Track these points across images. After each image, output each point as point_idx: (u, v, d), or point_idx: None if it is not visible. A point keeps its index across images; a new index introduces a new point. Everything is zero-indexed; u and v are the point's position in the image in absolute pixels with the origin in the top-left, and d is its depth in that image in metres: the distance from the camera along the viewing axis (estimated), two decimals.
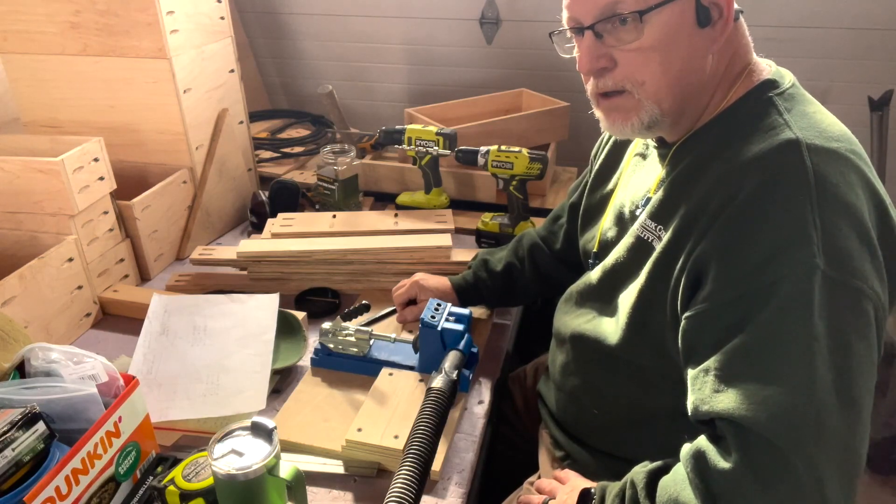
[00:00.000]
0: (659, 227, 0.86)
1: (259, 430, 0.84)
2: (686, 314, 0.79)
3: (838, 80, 1.96)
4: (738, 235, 0.74)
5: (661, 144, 0.92)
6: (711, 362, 0.74)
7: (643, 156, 0.99)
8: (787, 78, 0.85)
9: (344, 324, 1.16)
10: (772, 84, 0.83)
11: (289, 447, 1.00)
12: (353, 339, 1.15)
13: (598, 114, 0.90)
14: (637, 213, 0.93)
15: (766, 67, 0.86)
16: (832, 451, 0.67)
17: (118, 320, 1.35)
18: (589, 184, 1.13)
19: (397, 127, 1.65)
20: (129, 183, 1.50)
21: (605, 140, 1.13)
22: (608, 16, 0.80)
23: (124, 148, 1.54)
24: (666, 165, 0.89)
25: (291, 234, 1.46)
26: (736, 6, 0.82)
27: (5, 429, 0.77)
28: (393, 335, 1.14)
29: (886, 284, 0.75)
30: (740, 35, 0.85)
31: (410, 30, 2.21)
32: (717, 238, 0.76)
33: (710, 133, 0.85)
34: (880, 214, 0.76)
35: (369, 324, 1.28)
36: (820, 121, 0.79)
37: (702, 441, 0.74)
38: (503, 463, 1.22)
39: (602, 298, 0.99)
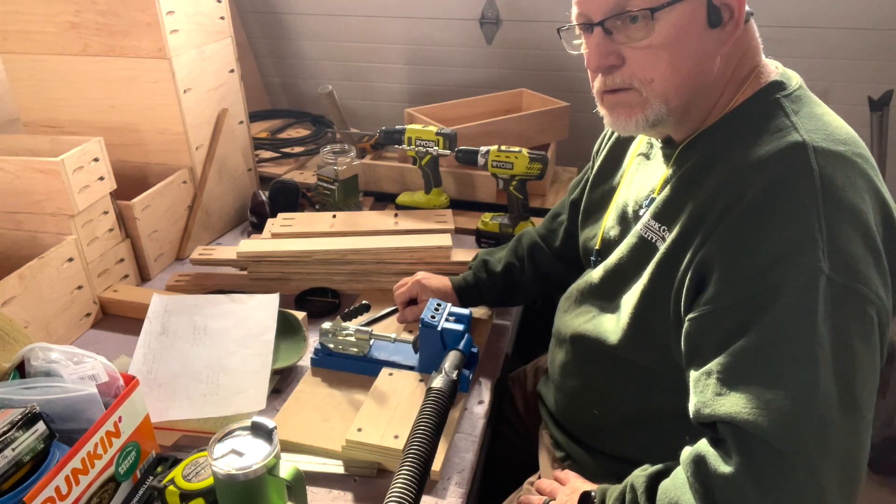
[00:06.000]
0: (663, 227, 0.86)
1: (259, 430, 0.84)
2: (689, 316, 0.78)
3: (838, 80, 1.96)
4: (743, 238, 0.74)
5: (667, 144, 0.92)
6: (714, 365, 0.74)
7: (646, 155, 0.99)
8: (795, 80, 0.85)
9: (344, 324, 1.16)
10: (779, 86, 0.83)
11: (289, 447, 1.00)
12: (353, 339, 1.15)
13: (601, 111, 0.89)
14: (640, 213, 0.93)
15: (774, 69, 0.86)
16: (834, 457, 0.67)
17: (118, 320, 1.35)
18: (591, 180, 1.13)
19: (397, 127, 1.65)
20: (129, 183, 1.50)
21: (607, 136, 1.12)
22: (618, 13, 0.80)
23: (124, 148, 1.54)
24: (671, 165, 0.89)
25: (291, 234, 1.46)
26: (747, 8, 0.82)
27: (5, 429, 0.77)
28: (393, 335, 1.14)
29: (890, 289, 0.75)
30: (750, 37, 0.85)
31: (410, 30, 2.21)
32: (721, 240, 0.76)
33: (717, 134, 0.84)
34: (885, 218, 0.76)
35: (369, 324, 1.28)
36: (827, 123, 0.79)
37: (702, 445, 0.74)
38: (503, 463, 1.22)
39: (604, 298, 0.99)
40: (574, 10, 0.86)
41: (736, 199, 0.76)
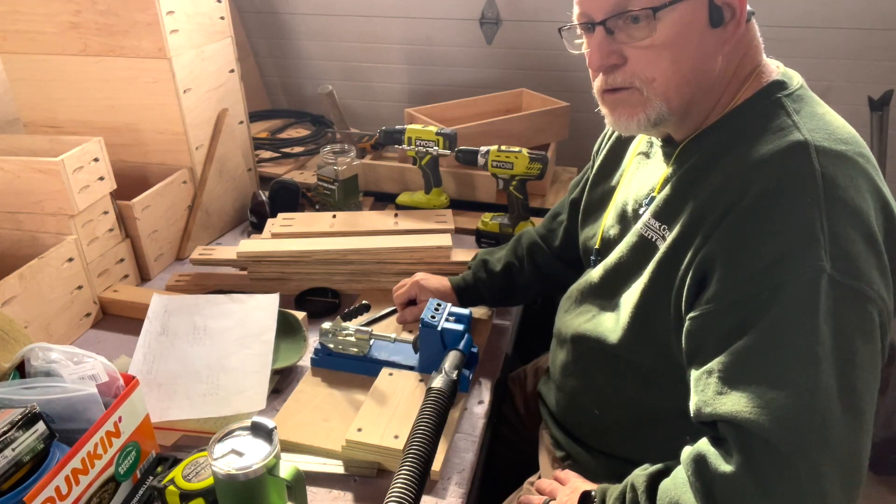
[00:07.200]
0: (663, 226, 0.86)
1: (259, 430, 0.84)
2: (690, 315, 0.78)
3: (838, 80, 1.96)
4: (744, 237, 0.74)
5: (667, 143, 0.92)
6: (715, 364, 0.74)
7: (646, 154, 0.99)
8: (796, 79, 0.85)
9: (344, 324, 1.16)
10: (780, 85, 0.83)
11: (289, 447, 1.00)
12: (353, 339, 1.15)
13: (603, 110, 0.89)
14: (640, 212, 0.93)
15: (775, 68, 0.86)
16: (835, 456, 0.67)
17: (118, 320, 1.35)
18: (591, 179, 1.13)
19: (397, 127, 1.65)
20: (129, 183, 1.49)
21: (607, 135, 1.12)
22: (620, 12, 0.80)
23: (124, 148, 1.54)
24: (672, 164, 0.89)
25: (291, 234, 1.46)
26: (748, 7, 0.82)
27: (5, 429, 0.77)
28: (393, 335, 1.14)
29: (891, 289, 0.75)
30: (752, 36, 0.85)
31: (410, 30, 2.21)
32: (723, 239, 0.76)
33: (718, 133, 0.84)
34: (886, 218, 0.76)
35: (369, 324, 1.28)
36: (829, 122, 0.79)
37: (703, 444, 0.74)
38: (503, 463, 1.22)
39: (604, 297, 0.99)
40: (575, 10, 0.86)
41: (737, 198, 0.76)
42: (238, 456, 0.81)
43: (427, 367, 1.10)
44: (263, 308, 1.21)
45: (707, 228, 0.78)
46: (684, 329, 0.80)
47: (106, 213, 1.36)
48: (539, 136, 1.85)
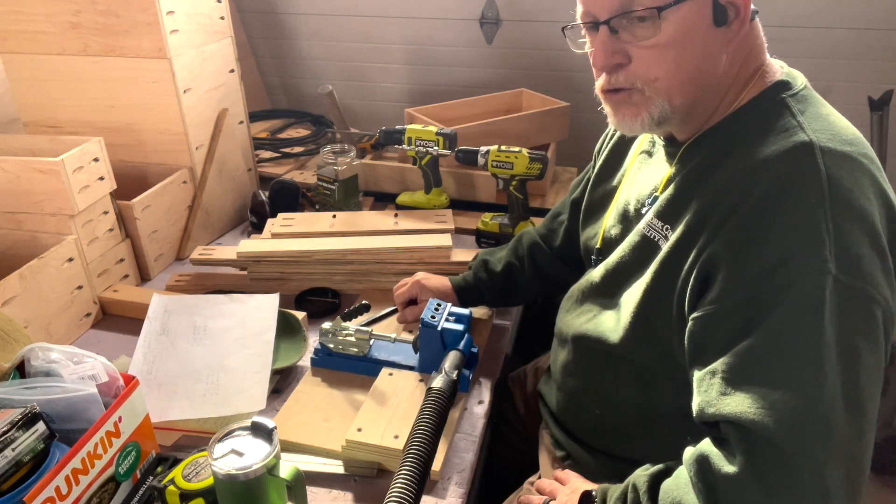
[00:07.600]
0: (666, 226, 0.86)
1: (259, 430, 0.84)
2: (693, 315, 0.78)
3: (838, 80, 1.96)
4: (749, 237, 0.74)
5: (671, 142, 0.92)
6: (719, 364, 0.74)
7: (649, 153, 0.98)
8: (800, 80, 0.85)
9: (344, 324, 1.16)
10: (785, 85, 0.83)
11: (289, 447, 1.00)
12: (353, 339, 1.15)
13: (606, 109, 0.89)
14: (643, 212, 0.93)
15: (779, 68, 0.86)
16: (838, 458, 0.67)
17: (118, 320, 1.35)
18: (592, 179, 1.13)
19: (397, 127, 1.65)
20: (129, 183, 1.49)
21: (609, 135, 1.12)
22: (624, 12, 0.80)
23: (124, 148, 1.54)
24: (675, 164, 0.89)
25: (291, 234, 1.46)
26: (752, 6, 0.82)
27: (5, 429, 0.77)
28: (393, 335, 1.14)
29: (895, 290, 0.75)
30: (755, 36, 0.85)
31: (410, 30, 2.21)
32: (727, 239, 0.76)
33: (722, 133, 0.84)
34: (890, 219, 0.76)
35: (369, 324, 1.28)
36: (833, 123, 0.79)
37: (705, 445, 0.74)
38: (503, 463, 1.22)
39: (605, 297, 0.99)
40: (579, 9, 0.85)
41: (742, 198, 0.75)
42: (238, 456, 0.80)
43: (427, 367, 1.10)
44: (263, 308, 1.21)
45: (711, 228, 0.78)
46: (687, 329, 0.79)
47: (106, 213, 1.36)
48: (539, 136, 1.85)
